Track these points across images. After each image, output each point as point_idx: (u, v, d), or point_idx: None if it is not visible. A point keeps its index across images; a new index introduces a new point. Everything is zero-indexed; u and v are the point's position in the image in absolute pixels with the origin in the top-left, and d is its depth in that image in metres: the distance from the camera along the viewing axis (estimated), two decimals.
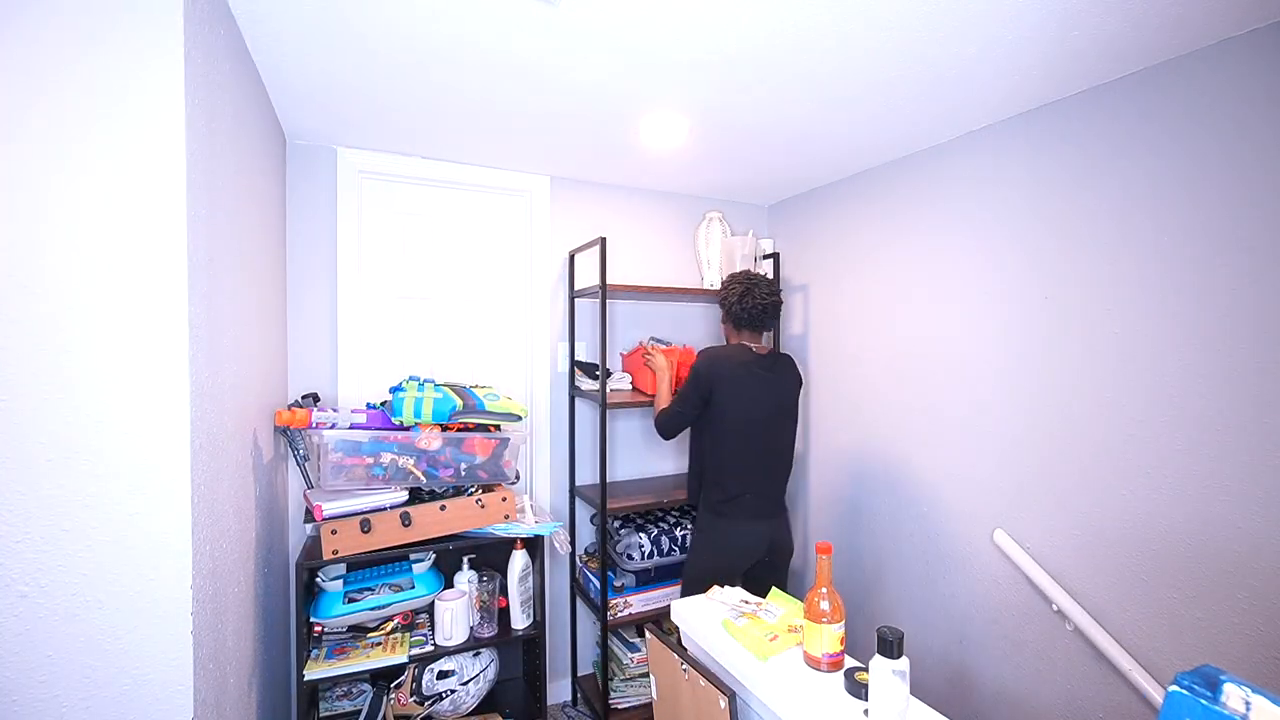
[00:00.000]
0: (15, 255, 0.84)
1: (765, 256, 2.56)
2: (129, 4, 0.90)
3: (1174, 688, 0.71)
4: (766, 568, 1.96)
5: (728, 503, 1.88)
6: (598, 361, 2.19)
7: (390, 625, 1.84)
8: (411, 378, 1.83)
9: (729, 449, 1.88)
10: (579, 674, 2.46)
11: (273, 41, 1.35)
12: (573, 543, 2.42)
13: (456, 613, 1.79)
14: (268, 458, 1.61)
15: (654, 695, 1.36)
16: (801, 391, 2.12)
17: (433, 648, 1.78)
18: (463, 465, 1.80)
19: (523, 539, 1.89)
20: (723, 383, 1.86)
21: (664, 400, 2.03)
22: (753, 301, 1.93)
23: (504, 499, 1.84)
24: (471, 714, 1.91)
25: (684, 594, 1.91)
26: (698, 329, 2.71)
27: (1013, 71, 1.47)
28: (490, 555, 2.13)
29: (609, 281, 2.29)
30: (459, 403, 1.75)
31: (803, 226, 2.61)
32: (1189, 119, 1.37)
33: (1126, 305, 1.49)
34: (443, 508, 1.75)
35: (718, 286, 2.48)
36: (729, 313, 1.98)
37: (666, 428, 1.96)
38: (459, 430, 1.79)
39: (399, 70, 1.49)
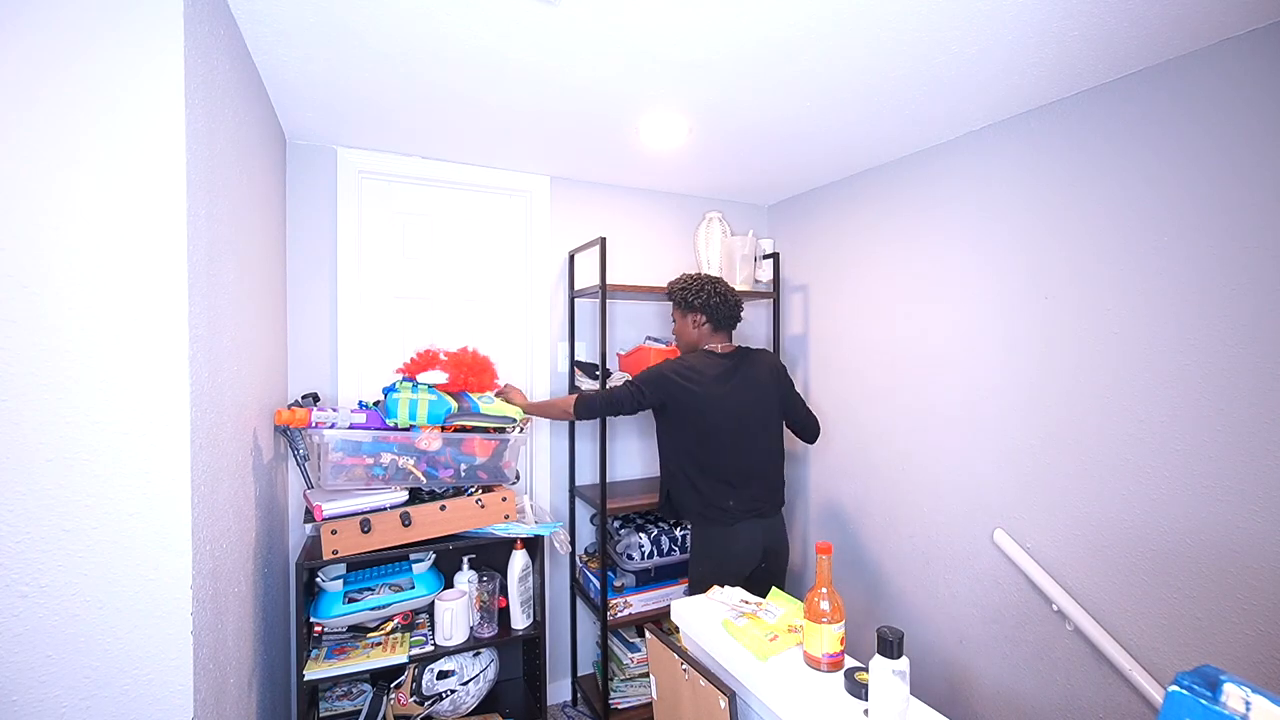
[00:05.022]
0: (15, 255, 0.84)
1: (765, 256, 2.56)
2: (129, 4, 0.90)
3: (1174, 688, 0.71)
4: (763, 574, 1.91)
5: (707, 509, 1.83)
6: (598, 361, 2.19)
7: (390, 625, 1.84)
8: (404, 379, 1.82)
9: (703, 456, 1.82)
10: (579, 674, 2.46)
11: (273, 41, 1.35)
12: (573, 543, 2.42)
13: (456, 613, 1.79)
14: (268, 458, 1.61)
15: (654, 695, 1.36)
16: (799, 387, 2.10)
17: (433, 648, 1.78)
18: (463, 466, 1.80)
19: (523, 539, 1.89)
20: (684, 395, 1.79)
21: None
22: (733, 297, 1.91)
23: (504, 499, 1.84)
24: (471, 714, 1.91)
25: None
26: None
27: (1013, 71, 1.47)
28: (490, 555, 2.13)
29: (609, 281, 2.29)
30: (454, 405, 1.75)
31: (803, 226, 2.61)
32: (1189, 119, 1.37)
33: (1126, 305, 1.49)
34: (443, 508, 1.75)
35: None
36: (712, 314, 1.89)
37: (594, 410, 1.84)
38: (457, 431, 1.79)
39: (399, 70, 1.49)
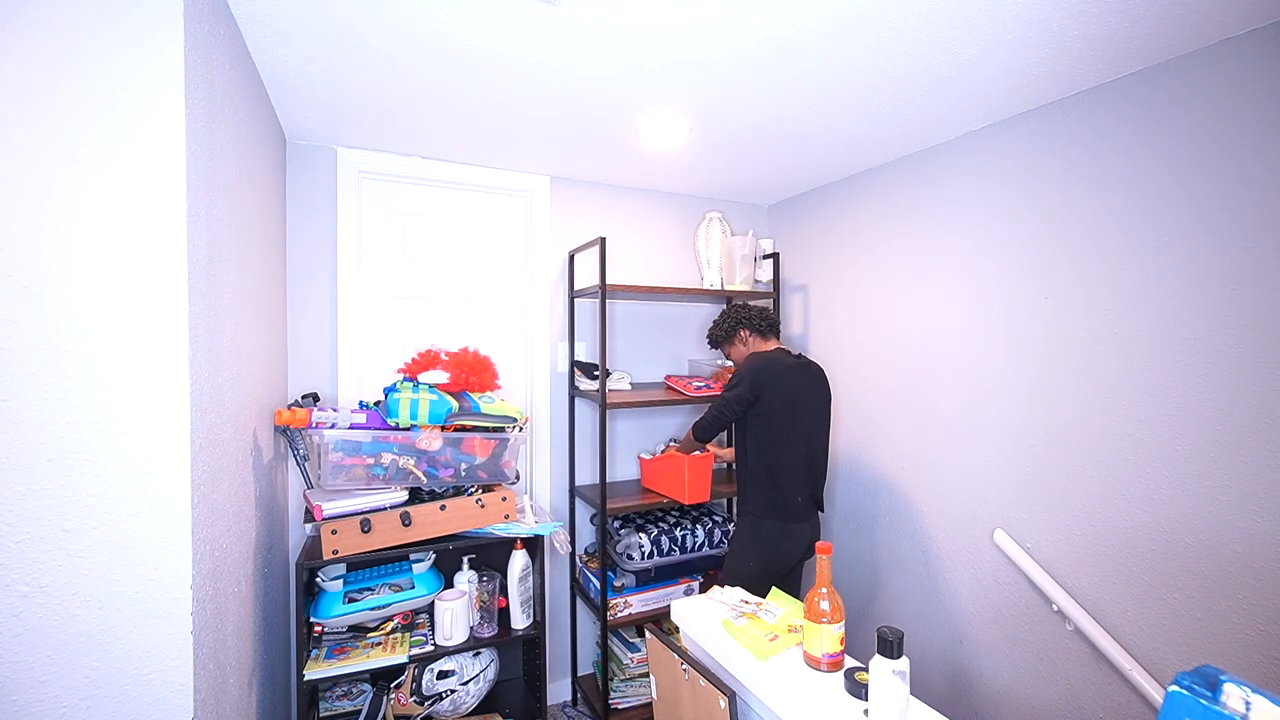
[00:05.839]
0: (15, 255, 0.84)
1: (765, 256, 2.56)
2: (129, 4, 0.90)
3: (1174, 688, 0.71)
4: (799, 567, 1.98)
5: (778, 505, 1.88)
6: (597, 361, 2.19)
7: (390, 625, 1.84)
8: (405, 379, 1.82)
9: (780, 449, 1.89)
10: (579, 674, 2.46)
11: (273, 41, 1.35)
12: (573, 543, 2.41)
13: (456, 613, 1.79)
14: (268, 458, 1.61)
15: (654, 695, 1.36)
16: None
17: (433, 648, 1.78)
18: (463, 465, 1.79)
19: (523, 539, 1.89)
20: (773, 383, 1.88)
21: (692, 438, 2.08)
22: (753, 304, 2.06)
23: (504, 499, 1.84)
24: (471, 714, 1.91)
25: None
26: (697, 330, 2.71)
27: (1013, 71, 1.47)
28: (490, 555, 2.13)
29: (609, 281, 2.29)
30: (455, 405, 1.74)
31: (803, 226, 2.61)
32: (1189, 119, 1.37)
33: (1126, 305, 1.49)
34: (443, 508, 1.75)
35: (718, 286, 2.48)
36: (756, 328, 2.06)
37: (708, 428, 1.97)
38: (457, 430, 1.79)
39: (399, 70, 1.49)
